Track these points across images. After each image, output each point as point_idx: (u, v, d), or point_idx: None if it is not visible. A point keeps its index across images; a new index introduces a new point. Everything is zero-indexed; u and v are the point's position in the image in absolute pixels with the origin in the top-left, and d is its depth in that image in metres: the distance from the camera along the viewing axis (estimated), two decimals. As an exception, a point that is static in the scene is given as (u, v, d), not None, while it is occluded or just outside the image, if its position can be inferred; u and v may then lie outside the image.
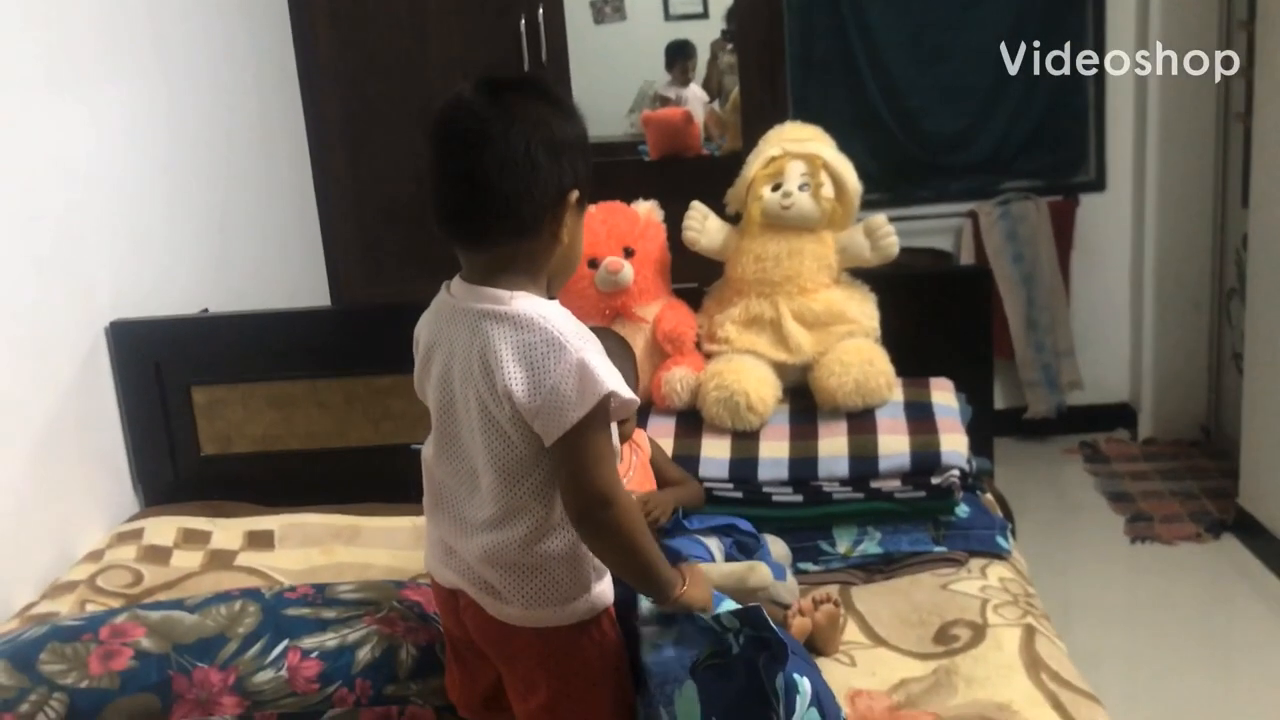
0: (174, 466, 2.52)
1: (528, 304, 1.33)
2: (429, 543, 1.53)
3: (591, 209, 2.25)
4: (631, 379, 1.83)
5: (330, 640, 1.68)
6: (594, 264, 2.20)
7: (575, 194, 1.36)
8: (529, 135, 1.30)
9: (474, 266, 1.38)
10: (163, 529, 2.30)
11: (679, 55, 4.27)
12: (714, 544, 1.86)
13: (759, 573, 1.77)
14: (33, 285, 2.21)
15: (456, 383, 1.38)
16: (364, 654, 1.67)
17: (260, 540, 2.29)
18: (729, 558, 1.85)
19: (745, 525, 1.93)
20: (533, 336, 1.31)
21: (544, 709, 1.43)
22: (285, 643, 1.67)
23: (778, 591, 1.82)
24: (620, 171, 4.18)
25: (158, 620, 1.70)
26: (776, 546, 1.97)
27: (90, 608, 2.02)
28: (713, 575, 1.69)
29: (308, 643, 1.67)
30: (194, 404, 2.51)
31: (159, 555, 2.23)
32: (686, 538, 1.84)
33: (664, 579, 1.41)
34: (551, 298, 1.38)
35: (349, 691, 1.64)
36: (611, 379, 1.30)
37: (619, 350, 1.88)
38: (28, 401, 2.18)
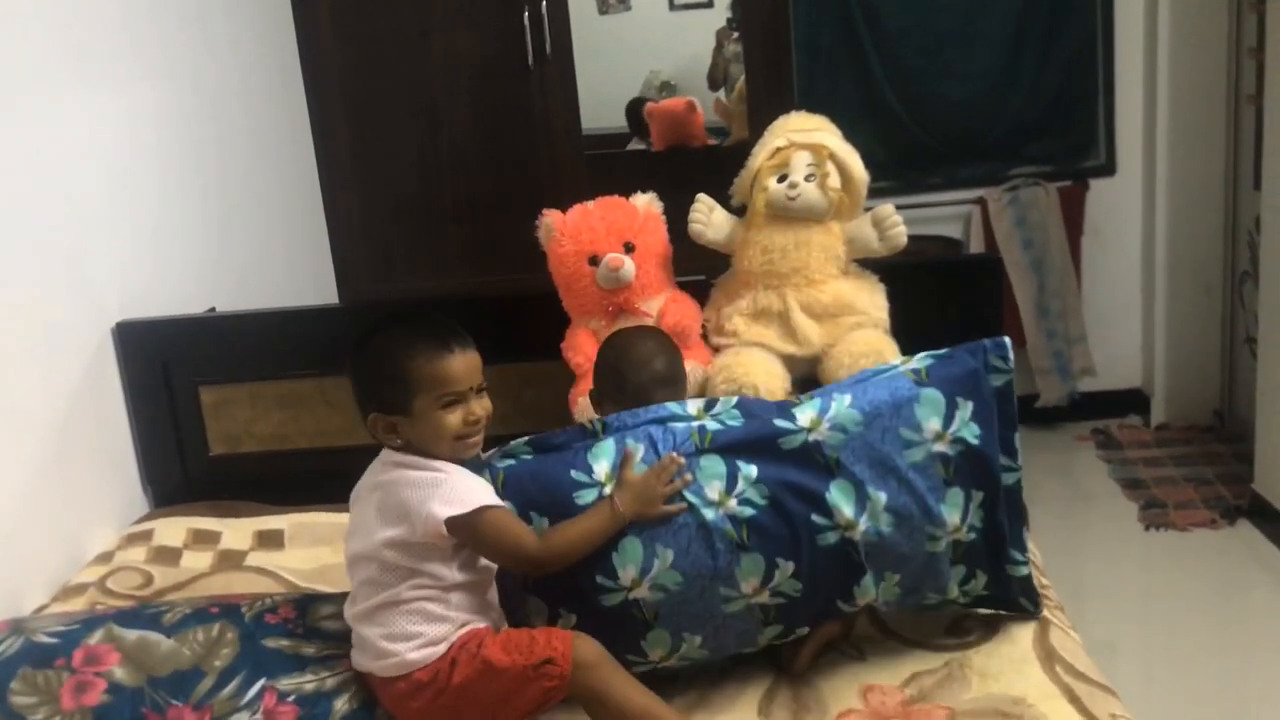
0: (183, 467, 2.52)
1: None
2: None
3: (589, 205, 2.25)
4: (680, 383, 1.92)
5: (308, 683, 1.64)
6: (594, 261, 2.18)
7: (375, 415, 1.69)
8: None
9: None
10: (172, 530, 2.31)
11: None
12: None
13: None
14: (39, 286, 2.20)
15: None
16: (341, 704, 1.64)
17: (270, 540, 2.29)
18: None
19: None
20: None
21: None
22: (262, 682, 1.64)
23: None
24: (625, 163, 4.17)
25: (133, 644, 1.65)
26: None
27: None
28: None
29: (285, 684, 1.64)
30: (202, 404, 2.51)
31: (169, 556, 2.23)
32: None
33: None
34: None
35: None
36: None
37: (664, 346, 1.93)
38: (35, 403, 2.18)
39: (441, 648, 1.59)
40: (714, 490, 1.66)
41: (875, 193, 2.30)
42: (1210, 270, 3.93)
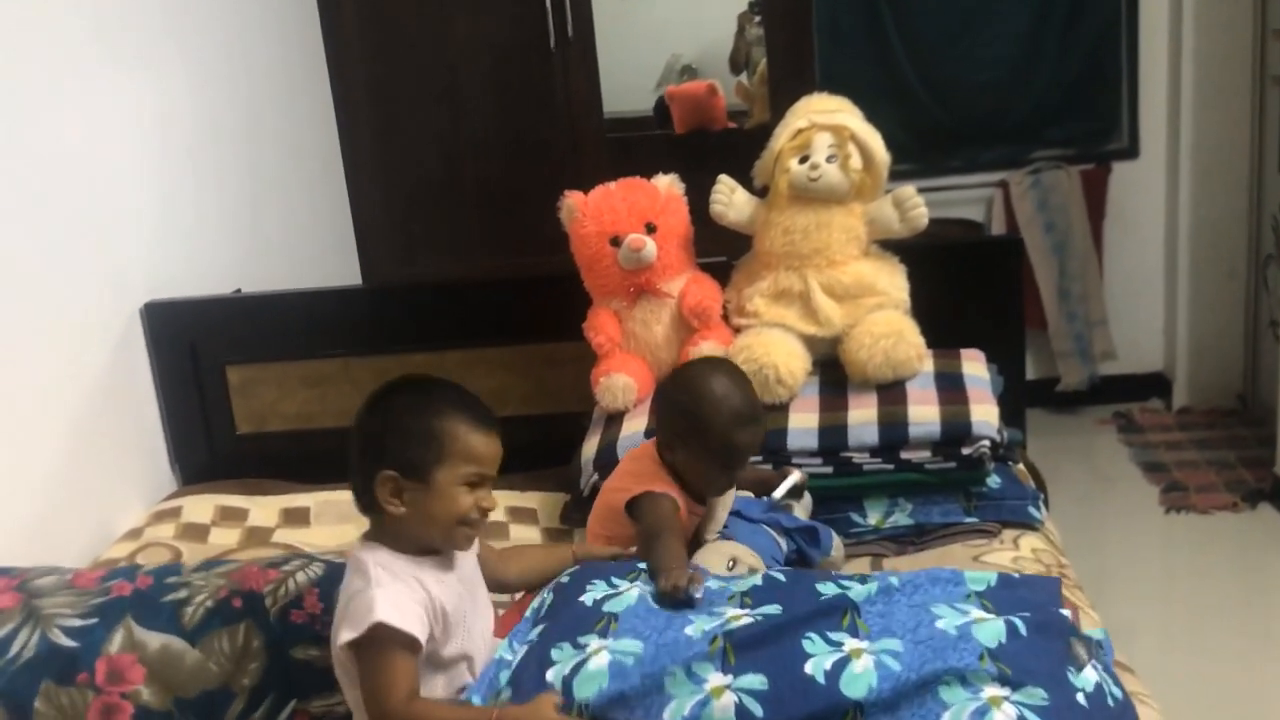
0: (210, 445, 2.55)
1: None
2: None
3: (611, 187, 2.26)
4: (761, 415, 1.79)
5: (340, 705, 1.58)
6: (616, 242, 2.19)
7: (387, 473, 1.45)
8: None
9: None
10: (200, 507, 2.34)
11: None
12: (780, 538, 1.87)
13: None
14: (68, 268, 2.23)
15: None
16: None
17: (296, 517, 2.32)
18: (788, 561, 1.86)
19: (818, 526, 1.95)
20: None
21: None
22: (293, 704, 1.61)
23: None
24: (647, 146, 4.18)
25: (156, 655, 1.61)
26: (837, 550, 1.98)
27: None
28: None
29: (317, 705, 1.61)
30: (229, 383, 2.54)
31: (197, 533, 2.27)
32: (761, 533, 1.85)
33: None
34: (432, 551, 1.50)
35: None
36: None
37: (741, 383, 1.80)
38: (66, 383, 2.21)
39: None
40: None
41: (896, 175, 2.30)
42: (1234, 254, 3.90)
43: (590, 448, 2.16)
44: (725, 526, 1.84)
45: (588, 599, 1.51)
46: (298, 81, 3.42)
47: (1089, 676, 1.36)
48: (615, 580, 1.57)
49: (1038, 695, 1.29)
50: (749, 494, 1.96)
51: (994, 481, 2.10)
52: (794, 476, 1.94)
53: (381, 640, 1.36)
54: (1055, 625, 1.41)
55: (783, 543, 1.87)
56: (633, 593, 1.52)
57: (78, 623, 1.66)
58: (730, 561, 1.76)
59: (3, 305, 2.04)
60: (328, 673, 1.57)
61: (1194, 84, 3.80)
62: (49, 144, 2.20)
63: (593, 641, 1.42)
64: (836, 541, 1.97)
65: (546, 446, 2.35)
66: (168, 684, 1.61)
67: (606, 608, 1.49)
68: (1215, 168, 3.85)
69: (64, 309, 2.22)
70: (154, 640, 1.63)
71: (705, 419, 1.72)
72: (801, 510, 1.97)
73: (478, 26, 3.61)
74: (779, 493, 1.90)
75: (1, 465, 2.02)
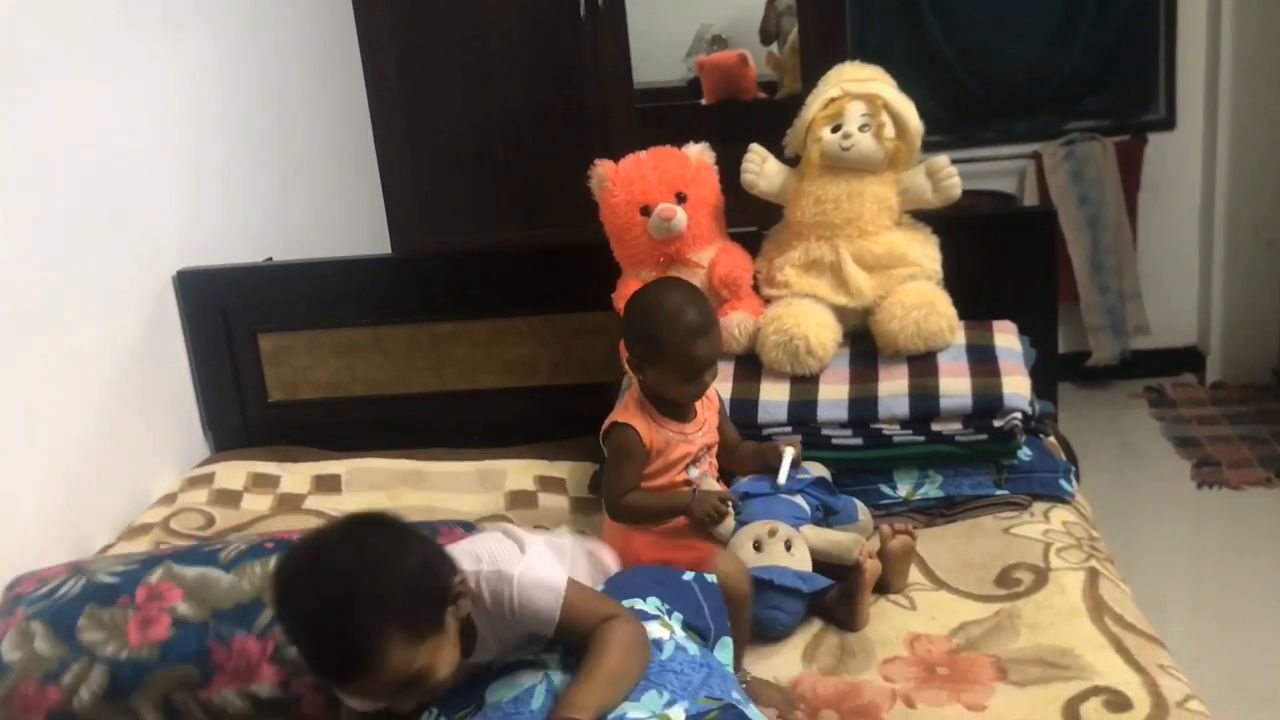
0: (242, 412, 2.57)
1: None
2: None
3: (641, 156, 2.25)
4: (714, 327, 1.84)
5: None
6: (646, 211, 2.18)
7: None
8: None
9: None
10: (233, 473, 2.36)
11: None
12: (802, 504, 1.90)
13: (861, 545, 1.81)
14: (102, 236, 2.25)
15: None
16: None
17: (327, 484, 2.34)
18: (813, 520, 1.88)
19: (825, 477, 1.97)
20: None
21: None
22: None
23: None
24: (677, 116, 4.16)
25: (193, 580, 1.68)
26: (863, 514, 1.99)
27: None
28: (819, 542, 1.81)
29: None
30: (261, 351, 2.56)
31: (230, 499, 2.29)
32: (779, 501, 1.87)
33: None
34: None
35: None
36: None
37: (694, 298, 1.84)
38: (100, 351, 2.23)
39: None
40: None
41: (928, 146, 2.28)
42: (1271, 226, 3.85)
43: (619, 417, 2.16)
44: (739, 513, 1.85)
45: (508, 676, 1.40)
46: (329, 52, 3.42)
47: None
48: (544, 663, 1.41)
49: None
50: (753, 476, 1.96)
51: (1025, 454, 2.09)
52: (788, 454, 1.92)
53: None
54: None
55: (801, 501, 1.89)
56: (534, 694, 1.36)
57: (120, 568, 1.75)
58: (755, 542, 1.79)
59: (38, 275, 2.05)
60: None
61: (1233, 54, 3.74)
62: (83, 116, 2.20)
63: None
64: (862, 508, 1.98)
65: (575, 416, 2.36)
66: (204, 600, 1.68)
67: (491, 689, 1.38)
68: (1253, 139, 3.79)
69: (98, 278, 2.23)
70: (191, 571, 1.71)
71: (663, 337, 1.79)
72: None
73: (508, -4, 3.59)
74: (781, 478, 1.89)
75: (38, 431, 2.04)
